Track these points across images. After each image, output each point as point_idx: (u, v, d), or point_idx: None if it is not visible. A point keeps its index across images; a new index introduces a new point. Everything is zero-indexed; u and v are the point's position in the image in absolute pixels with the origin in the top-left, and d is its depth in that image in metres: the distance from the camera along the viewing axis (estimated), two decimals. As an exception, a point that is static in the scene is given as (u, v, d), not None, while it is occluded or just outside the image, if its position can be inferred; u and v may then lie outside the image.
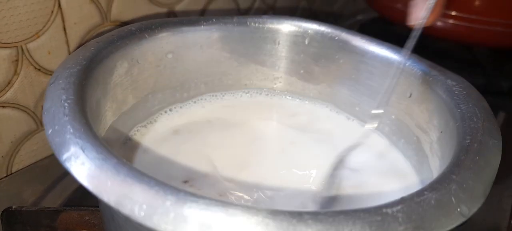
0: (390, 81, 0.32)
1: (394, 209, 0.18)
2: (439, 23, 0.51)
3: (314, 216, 0.18)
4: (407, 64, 0.33)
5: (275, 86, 0.41)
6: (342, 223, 0.17)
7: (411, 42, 0.30)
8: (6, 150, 0.39)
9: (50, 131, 0.22)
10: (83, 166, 0.20)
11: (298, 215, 0.18)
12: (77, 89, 0.25)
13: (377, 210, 0.18)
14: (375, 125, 0.35)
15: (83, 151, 0.20)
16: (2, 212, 0.32)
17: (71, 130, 0.21)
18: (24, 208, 0.33)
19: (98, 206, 0.32)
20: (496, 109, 0.26)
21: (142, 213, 0.18)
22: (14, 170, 0.39)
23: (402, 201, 0.19)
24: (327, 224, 0.17)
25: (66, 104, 0.23)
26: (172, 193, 0.18)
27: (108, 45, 0.31)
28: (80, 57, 0.28)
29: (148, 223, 0.18)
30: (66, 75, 0.26)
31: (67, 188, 0.38)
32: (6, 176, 0.39)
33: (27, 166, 0.40)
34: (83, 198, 0.37)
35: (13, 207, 0.33)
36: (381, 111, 0.33)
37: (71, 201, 0.37)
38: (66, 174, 0.39)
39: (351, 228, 0.17)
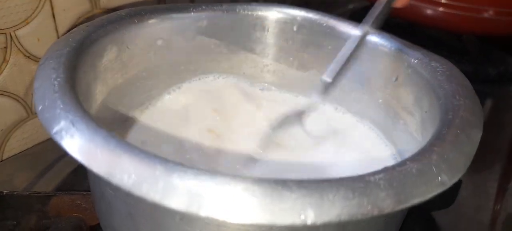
0: (342, 52, 0.31)
1: (377, 177, 0.19)
2: (428, 11, 0.52)
3: (298, 182, 0.18)
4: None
5: (264, 74, 0.42)
6: (326, 189, 0.18)
7: (370, 16, 0.30)
8: (-4, 138, 0.39)
9: (40, 107, 0.22)
10: (73, 139, 0.20)
11: (282, 182, 0.18)
12: (67, 69, 0.25)
13: (360, 178, 0.19)
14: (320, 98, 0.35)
15: (73, 125, 0.20)
16: (-7, 197, 0.33)
17: (61, 105, 0.22)
18: (15, 193, 0.33)
19: (89, 191, 0.32)
20: (483, 96, 0.27)
21: (131, 182, 0.18)
22: (4, 157, 0.40)
23: (384, 170, 0.20)
24: (311, 189, 0.18)
25: (56, 82, 0.24)
26: (161, 163, 0.19)
27: (98, 29, 0.31)
28: (70, 39, 0.29)
29: (137, 191, 0.18)
30: (56, 55, 0.26)
31: (58, 174, 0.38)
32: (-3, 162, 0.39)
33: (18, 153, 0.40)
34: (74, 183, 0.37)
35: (4, 192, 0.33)
36: (329, 80, 0.31)
37: (62, 186, 0.37)
38: (57, 161, 0.39)
39: (335, 194, 0.18)
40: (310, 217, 0.17)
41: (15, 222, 0.32)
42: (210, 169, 0.19)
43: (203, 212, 0.18)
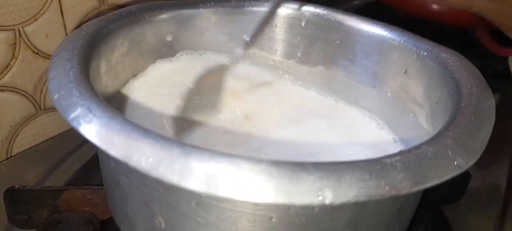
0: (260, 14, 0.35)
1: (393, 159, 0.19)
2: (435, 7, 0.52)
3: (316, 165, 0.18)
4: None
5: (273, 69, 0.42)
6: (343, 171, 0.18)
7: None
8: (5, 134, 0.39)
9: (56, 96, 0.22)
10: (90, 124, 0.20)
11: (300, 164, 0.18)
12: (81, 61, 0.26)
13: (377, 160, 0.19)
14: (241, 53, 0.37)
15: (90, 111, 0.20)
16: (5, 191, 0.33)
17: (77, 94, 0.22)
18: (27, 188, 0.33)
19: (100, 185, 0.32)
20: (491, 91, 0.27)
21: (149, 165, 0.18)
22: (14, 153, 0.40)
23: (400, 153, 0.20)
24: (328, 171, 0.18)
25: (70, 72, 0.24)
26: (177, 146, 0.19)
27: (109, 24, 0.31)
28: (83, 33, 0.29)
29: (155, 173, 0.18)
30: (70, 48, 0.27)
31: (68, 169, 0.38)
32: (7, 159, 0.39)
33: (27, 149, 0.40)
34: (85, 178, 0.37)
35: (16, 186, 0.33)
36: (247, 39, 0.37)
37: (73, 181, 0.37)
38: (66, 156, 0.40)
39: (352, 175, 0.18)
40: (328, 197, 0.17)
41: (27, 217, 0.32)
42: (226, 152, 0.19)
43: (221, 193, 0.18)
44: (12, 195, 0.32)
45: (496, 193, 0.39)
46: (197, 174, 0.18)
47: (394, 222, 0.26)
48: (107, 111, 0.20)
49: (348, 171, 0.18)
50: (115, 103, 0.32)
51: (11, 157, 0.40)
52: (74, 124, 0.20)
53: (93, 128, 0.20)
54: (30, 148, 0.41)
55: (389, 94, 0.36)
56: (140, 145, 0.19)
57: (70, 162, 0.39)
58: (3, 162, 0.39)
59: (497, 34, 0.52)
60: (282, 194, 0.17)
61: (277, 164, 0.18)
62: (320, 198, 0.18)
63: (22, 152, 0.40)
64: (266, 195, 0.18)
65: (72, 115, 0.21)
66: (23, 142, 0.40)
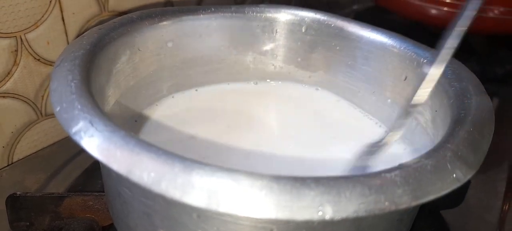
0: None
1: (393, 173, 0.19)
2: (433, 11, 0.52)
3: (316, 180, 0.18)
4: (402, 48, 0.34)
5: (273, 75, 0.42)
6: (343, 186, 0.18)
7: None
8: (6, 140, 0.39)
9: (58, 108, 0.22)
10: (92, 138, 0.20)
11: (301, 179, 0.18)
12: (82, 71, 0.26)
13: (376, 175, 0.19)
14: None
15: (92, 124, 0.21)
16: (7, 198, 0.33)
17: (79, 106, 0.22)
18: (28, 194, 0.33)
19: (101, 191, 0.32)
20: (491, 96, 0.28)
21: (151, 180, 0.18)
22: (15, 159, 0.40)
23: (399, 167, 0.20)
24: (328, 186, 0.18)
25: (72, 84, 0.24)
26: (179, 161, 0.19)
27: (110, 32, 0.32)
28: (84, 42, 0.29)
29: (156, 188, 0.18)
30: (71, 58, 0.27)
31: (70, 176, 0.38)
32: (8, 165, 0.39)
33: (28, 155, 0.41)
34: (86, 185, 0.37)
35: (18, 193, 0.33)
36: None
37: (74, 188, 0.37)
38: (67, 162, 0.40)
39: (352, 191, 0.18)
40: (328, 212, 0.18)
41: (28, 223, 0.32)
42: (227, 166, 0.19)
43: (222, 208, 0.18)
44: (13, 201, 0.33)
45: (496, 198, 0.39)
46: (198, 189, 0.18)
47: (394, 232, 0.26)
48: (109, 125, 0.21)
49: (348, 186, 0.18)
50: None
51: (12, 163, 0.40)
52: (76, 138, 0.21)
53: (95, 142, 0.20)
54: (32, 154, 0.41)
55: (389, 100, 0.36)
56: (142, 160, 0.19)
57: (71, 168, 0.39)
58: (5, 169, 0.39)
59: (497, 37, 0.52)
60: (282, 210, 0.18)
61: (278, 179, 0.18)
62: (320, 213, 0.18)
63: (23, 158, 0.40)
64: (266, 210, 0.18)
65: (74, 129, 0.21)
66: (24, 148, 0.40)
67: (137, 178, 0.18)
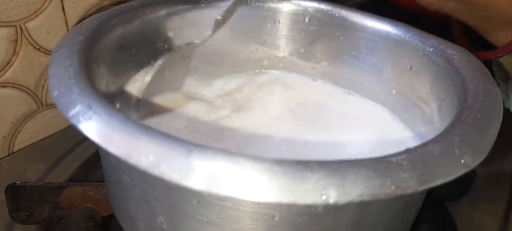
0: None
1: (399, 157, 0.19)
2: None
3: (320, 163, 0.18)
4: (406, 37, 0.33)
5: (276, 65, 0.42)
6: (348, 169, 0.18)
7: None
8: (7, 130, 0.39)
9: (55, 93, 0.22)
10: (90, 121, 0.20)
11: (304, 163, 0.18)
12: (81, 57, 0.25)
13: (382, 159, 0.19)
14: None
15: (90, 108, 0.20)
16: (6, 188, 0.32)
17: (77, 90, 0.22)
18: (28, 184, 0.33)
19: (101, 181, 0.32)
20: (499, 88, 0.27)
21: (150, 163, 0.18)
22: (15, 149, 0.40)
23: (406, 151, 0.19)
24: (332, 170, 0.18)
25: (70, 69, 0.24)
26: (179, 143, 0.18)
27: (111, 19, 0.31)
28: (84, 28, 0.28)
29: (155, 171, 0.18)
30: (70, 44, 0.26)
31: (70, 166, 0.38)
32: (8, 155, 0.39)
33: (28, 146, 0.40)
34: (86, 175, 0.37)
35: (17, 182, 0.33)
36: (220, 18, 0.37)
37: (74, 178, 0.37)
38: (68, 153, 0.39)
39: (356, 174, 0.18)
40: (332, 196, 0.17)
41: (28, 213, 0.32)
42: (229, 150, 0.18)
43: (224, 192, 0.17)
44: (13, 191, 0.32)
45: (501, 190, 0.39)
46: (198, 172, 0.18)
47: (399, 221, 0.25)
48: (107, 108, 0.20)
49: (353, 169, 0.18)
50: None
51: (12, 153, 0.39)
52: (73, 121, 0.20)
53: (93, 125, 0.20)
54: (32, 144, 0.41)
55: (393, 91, 0.36)
56: (141, 143, 0.18)
57: (72, 158, 0.38)
58: (5, 158, 0.39)
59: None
60: (285, 193, 0.17)
61: (280, 162, 0.18)
62: (324, 197, 0.17)
63: (23, 148, 0.40)
64: (269, 194, 0.17)
65: (72, 112, 0.20)
66: (24, 138, 0.40)
67: (136, 161, 0.18)
